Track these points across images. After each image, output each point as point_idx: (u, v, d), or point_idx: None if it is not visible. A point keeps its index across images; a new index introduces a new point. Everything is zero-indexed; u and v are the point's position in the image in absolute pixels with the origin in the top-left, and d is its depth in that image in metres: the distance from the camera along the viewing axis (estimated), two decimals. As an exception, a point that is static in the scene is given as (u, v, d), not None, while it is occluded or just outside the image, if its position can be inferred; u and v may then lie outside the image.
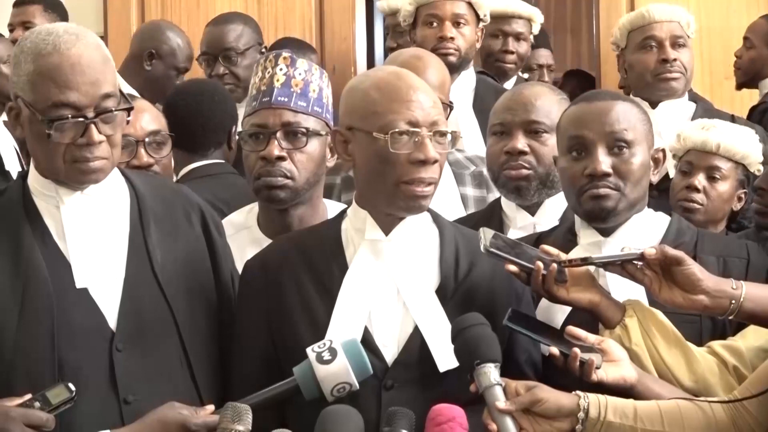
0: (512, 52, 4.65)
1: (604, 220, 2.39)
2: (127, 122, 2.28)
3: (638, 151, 2.39)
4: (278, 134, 2.62)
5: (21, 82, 2.21)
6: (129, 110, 2.25)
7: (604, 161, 2.36)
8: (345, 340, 2.13)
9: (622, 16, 4.17)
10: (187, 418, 2.08)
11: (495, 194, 3.19)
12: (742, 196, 3.21)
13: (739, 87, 4.62)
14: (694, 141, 3.18)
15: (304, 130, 2.64)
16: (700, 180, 3.16)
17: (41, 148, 2.22)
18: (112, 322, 2.24)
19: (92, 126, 2.18)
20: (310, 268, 2.27)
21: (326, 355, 2.10)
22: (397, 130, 2.19)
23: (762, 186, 3.10)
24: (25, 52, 2.21)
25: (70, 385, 2.10)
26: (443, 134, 2.24)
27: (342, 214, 2.35)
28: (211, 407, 2.13)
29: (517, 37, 4.66)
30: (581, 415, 2.05)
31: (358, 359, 2.11)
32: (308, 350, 2.12)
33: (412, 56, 3.22)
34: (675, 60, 3.73)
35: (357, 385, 2.11)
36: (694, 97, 3.87)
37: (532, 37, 4.75)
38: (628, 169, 2.37)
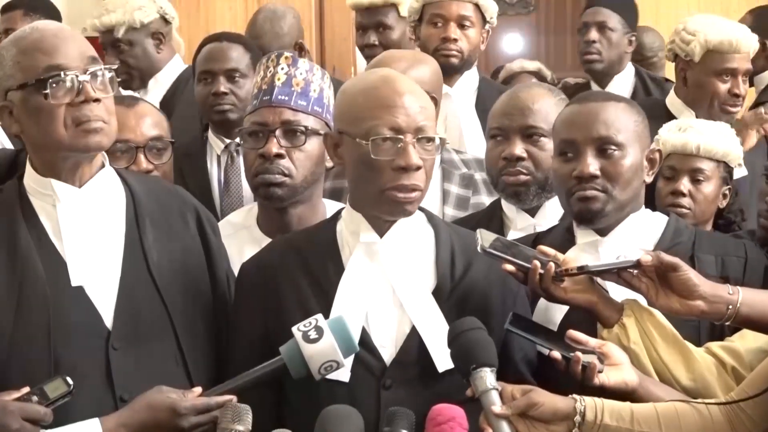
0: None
1: (592, 222, 2.39)
2: (119, 84, 2.32)
3: (629, 152, 2.38)
4: (277, 132, 2.63)
5: (8, 72, 2.23)
6: (116, 70, 2.29)
7: (592, 163, 2.36)
8: (331, 318, 2.13)
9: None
10: (176, 401, 2.10)
11: (481, 197, 3.19)
12: (727, 192, 3.17)
13: None
14: (673, 144, 3.14)
15: (303, 128, 2.64)
16: (684, 184, 3.12)
17: (40, 123, 2.22)
18: (108, 320, 2.24)
19: (86, 83, 2.21)
20: (306, 269, 2.27)
21: (312, 334, 2.09)
22: (378, 136, 2.18)
23: None
24: (5, 47, 2.26)
25: (68, 378, 2.10)
26: (429, 140, 2.22)
27: (337, 216, 2.35)
28: (198, 389, 2.14)
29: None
30: (578, 418, 2.05)
31: (344, 337, 2.10)
32: (294, 329, 2.11)
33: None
34: (744, 96, 3.72)
35: (344, 362, 2.11)
36: None
37: None
38: (616, 171, 2.36)
